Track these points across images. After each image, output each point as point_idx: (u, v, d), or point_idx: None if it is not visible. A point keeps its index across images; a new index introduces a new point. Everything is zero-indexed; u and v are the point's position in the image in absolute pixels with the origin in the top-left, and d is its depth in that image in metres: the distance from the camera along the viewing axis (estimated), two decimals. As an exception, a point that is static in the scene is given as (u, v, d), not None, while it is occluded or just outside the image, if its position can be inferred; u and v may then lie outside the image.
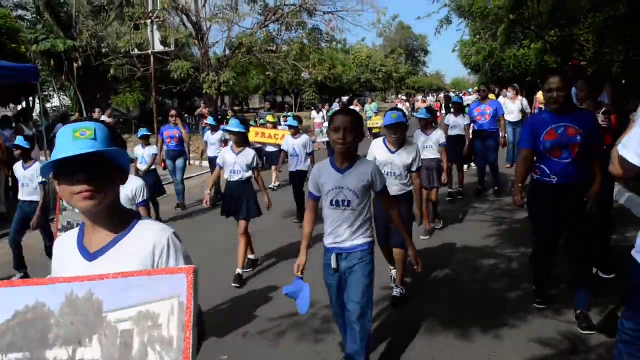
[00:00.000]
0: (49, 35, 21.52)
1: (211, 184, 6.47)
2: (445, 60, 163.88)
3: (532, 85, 29.16)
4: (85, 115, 20.97)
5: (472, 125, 9.58)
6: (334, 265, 3.39)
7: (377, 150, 4.97)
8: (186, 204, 10.23)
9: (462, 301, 4.95)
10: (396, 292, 5.02)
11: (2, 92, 18.04)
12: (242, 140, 6.10)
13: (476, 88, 39.83)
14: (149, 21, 15.14)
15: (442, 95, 38.63)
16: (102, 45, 22.66)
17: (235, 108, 43.34)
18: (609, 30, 10.30)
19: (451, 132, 9.30)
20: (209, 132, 10.60)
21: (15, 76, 9.62)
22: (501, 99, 13.63)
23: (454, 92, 47.43)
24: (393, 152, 4.87)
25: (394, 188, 4.65)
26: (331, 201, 3.37)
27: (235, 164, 6.01)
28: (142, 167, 8.69)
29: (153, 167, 8.92)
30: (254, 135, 11.58)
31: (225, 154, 6.15)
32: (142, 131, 9.04)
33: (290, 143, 8.40)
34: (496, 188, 9.52)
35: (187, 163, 10.56)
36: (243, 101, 52.00)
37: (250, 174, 6.03)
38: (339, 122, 3.23)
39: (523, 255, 5.84)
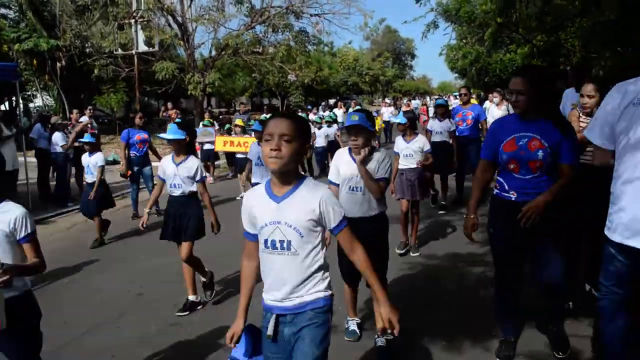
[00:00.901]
0: (31, 34, 21.17)
1: (152, 202, 5.46)
2: (432, 64, 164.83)
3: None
4: (66, 115, 20.66)
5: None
6: (270, 331, 2.44)
7: (340, 162, 4.16)
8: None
9: (450, 311, 4.84)
10: (380, 341, 4.13)
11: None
12: (182, 149, 5.09)
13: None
14: (133, 21, 14.91)
15: (428, 99, 38.42)
16: (86, 44, 22.37)
17: (222, 110, 43.30)
18: (596, 35, 10.28)
19: (435, 138, 8.63)
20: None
21: (-6, 75, 9.41)
22: (487, 104, 13.15)
23: (439, 96, 47.32)
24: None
25: (361, 208, 4.02)
26: (265, 241, 2.46)
27: (175, 176, 5.07)
28: (89, 178, 7.77)
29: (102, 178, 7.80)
30: (222, 144, 11.43)
31: (164, 164, 5.21)
32: (87, 137, 7.94)
33: (255, 150, 7.10)
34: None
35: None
36: (229, 103, 51.75)
37: (193, 187, 5.12)
38: (272, 127, 2.32)
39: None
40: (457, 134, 8.76)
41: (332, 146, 13.21)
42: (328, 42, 35.78)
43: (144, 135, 9.22)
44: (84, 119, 12.32)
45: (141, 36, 15.16)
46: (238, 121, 12.43)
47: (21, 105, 12.33)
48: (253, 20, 23.37)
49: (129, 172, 9.19)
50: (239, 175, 11.33)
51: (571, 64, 15.43)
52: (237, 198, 10.22)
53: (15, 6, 24.82)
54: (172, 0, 22.09)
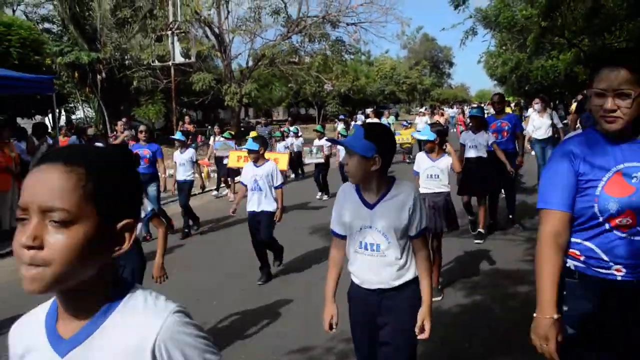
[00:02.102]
0: (73, 47, 21.61)
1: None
2: (471, 71, 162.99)
3: (561, 97, 28.51)
4: (107, 126, 21.00)
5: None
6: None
7: (345, 203, 2.78)
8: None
9: (494, 335, 4.51)
10: None
11: (24, 103, 18.33)
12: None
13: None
14: (169, 33, 15.01)
15: (466, 107, 37.50)
16: (125, 57, 22.72)
17: (259, 120, 43.53)
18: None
19: (469, 154, 7.49)
20: (178, 150, 9.12)
21: (30, 87, 9.50)
22: (530, 112, 12.35)
23: (477, 104, 45.86)
24: (370, 206, 2.65)
25: (384, 274, 2.67)
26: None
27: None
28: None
29: None
30: (236, 159, 10.71)
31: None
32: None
33: (250, 173, 6.16)
34: (510, 217, 8.21)
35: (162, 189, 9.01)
36: (266, 113, 52.05)
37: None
38: None
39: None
40: (490, 148, 7.52)
41: None
42: (365, 51, 35.50)
43: (145, 151, 8.37)
44: (126, 132, 12.39)
45: (178, 48, 15.23)
46: (253, 133, 11.56)
47: (53, 118, 12.33)
48: (289, 30, 23.42)
49: None
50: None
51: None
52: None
53: (58, 20, 25.47)
54: (209, 12, 22.36)
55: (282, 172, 13.32)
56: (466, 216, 7.72)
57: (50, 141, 11.37)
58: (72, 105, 28.41)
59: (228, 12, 22.84)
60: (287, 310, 5.25)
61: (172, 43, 14.91)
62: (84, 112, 27.21)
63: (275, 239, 6.40)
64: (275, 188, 6.17)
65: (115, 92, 23.53)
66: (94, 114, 24.53)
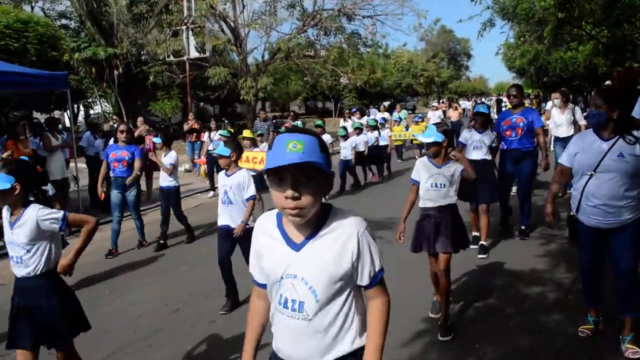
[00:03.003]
0: (90, 43, 21.79)
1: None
2: (489, 63, 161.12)
3: (581, 90, 28.05)
4: (127, 121, 21.13)
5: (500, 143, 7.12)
6: None
7: (263, 251, 2.06)
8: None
9: (507, 338, 4.42)
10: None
11: (42, 98, 18.53)
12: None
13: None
14: (184, 28, 15.01)
15: (485, 100, 36.85)
16: (142, 52, 22.82)
17: (276, 114, 43.56)
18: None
19: (472, 155, 6.61)
20: (162, 154, 8.24)
21: (44, 84, 9.54)
22: (549, 105, 11.39)
23: (493, 98, 45.18)
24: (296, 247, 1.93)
25: (306, 348, 1.94)
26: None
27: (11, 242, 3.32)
28: None
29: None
30: None
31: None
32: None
33: (221, 183, 5.41)
34: (522, 227, 7.14)
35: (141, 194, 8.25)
36: (283, 107, 52.07)
37: (41, 261, 3.27)
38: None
39: (578, 281, 5.26)
40: (505, 146, 7.07)
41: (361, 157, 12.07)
42: (382, 44, 35.19)
43: (124, 153, 7.56)
44: (142, 127, 12.43)
45: (193, 42, 15.24)
46: (246, 132, 10.59)
47: (71, 113, 12.44)
48: (305, 24, 23.28)
49: (102, 194, 7.85)
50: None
51: (638, 60, 14.53)
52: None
53: (75, 17, 25.70)
54: (224, 6, 22.32)
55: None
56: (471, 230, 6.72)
57: (65, 136, 11.49)
58: (90, 100, 28.70)
59: (243, 6, 22.74)
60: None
61: (187, 38, 14.94)
62: (101, 107, 27.47)
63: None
64: (247, 200, 5.23)
65: (132, 87, 23.70)
66: (111, 109, 24.74)
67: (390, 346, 4.15)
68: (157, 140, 8.75)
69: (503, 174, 7.22)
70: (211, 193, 11.98)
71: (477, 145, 6.75)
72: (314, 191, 1.76)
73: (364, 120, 16.99)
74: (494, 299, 5.20)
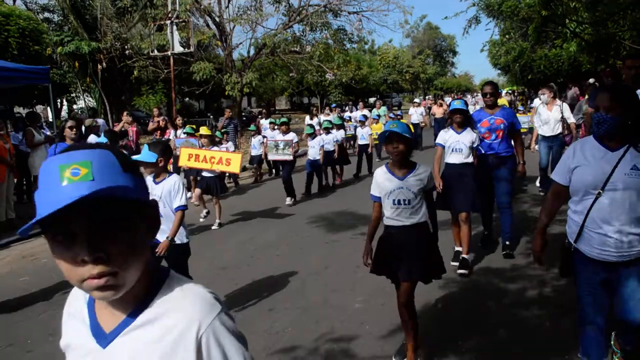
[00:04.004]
0: (74, 37, 21.51)
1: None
2: (474, 60, 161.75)
3: (563, 87, 28.29)
4: (109, 116, 20.94)
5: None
6: None
7: None
8: None
9: (488, 332, 4.44)
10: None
11: (24, 93, 18.30)
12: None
13: (506, 89, 38.62)
14: (168, 22, 14.87)
15: (469, 97, 37.01)
16: (126, 46, 22.60)
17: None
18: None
19: (451, 159, 5.99)
20: None
21: (25, 78, 9.42)
22: (536, 103, 10.89)
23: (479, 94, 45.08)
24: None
25: None
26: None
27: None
28: None
29: None
30: (186, 158, 8.98)
31: None
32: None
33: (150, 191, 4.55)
34: (507, 243, 6.35)
35: None
36: (269, 103, 51.95)
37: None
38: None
39: (556, 277, 5.28)
40: (482, 150, 6.24)
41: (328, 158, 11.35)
42: (367, 40, 35.20)
43: None
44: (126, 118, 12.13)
45: (177, 37, 15.09)
46: (203, 129, 9.73)
47: (52, 108, 12.22)
48: (291, 19, 23.20)
49: None
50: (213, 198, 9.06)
51: (621, 58, 14.66)
52: (201, 220, 8.86)
53: (58, 10, 25.36)
54: (209, 1, 22.16)
55: (235, 175, 12.04)
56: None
57: (47, 132, 11.35)
58: (73, 95, 28.39)
59: (229, 1, 22.62)
60: (279, 306, 5.19)
61: (172, 32, 14.75)
62: (85, 102, 27.18)
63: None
64: (175, 210, 4.55)
65: (116, 82, 23.46)
66: (95, 103, 24.48)
67: (372, 341, 4.18)
68: (103, 139, 7.60)
69: (482, 182, 6.11)
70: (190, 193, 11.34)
71: (455, 147, 5.90)
72: (130, 241, 1.09)
73: (355, 114, 16.89)
74: (474, 295, 5.23)
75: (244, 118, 22.70)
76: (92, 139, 10.29)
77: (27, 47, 16.80)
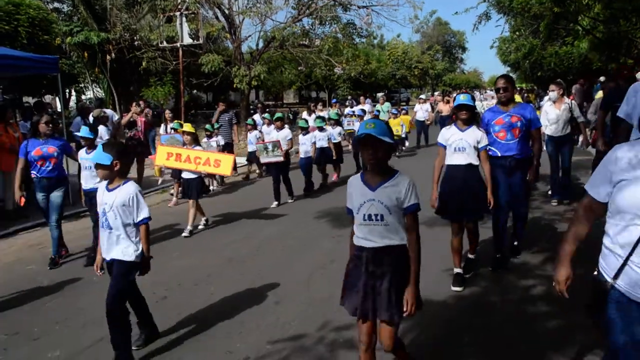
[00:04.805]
0: (83, 27, 21.54)
1: None
2: (484, 57, 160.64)
3: (574, 84, 28.10)
4: (117, 107, 20.99)
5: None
6: None
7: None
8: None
9: (491, 328, 4.42)
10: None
11: (33, 82, 18.36)
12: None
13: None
14: (178, 13, 14.86)
15: (478, 93, 36.62)
16: (135, 37, 22.62)
17: (269, 102, 43.44)
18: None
19: (453, 160, 5.21)
20: (84, 150, 6.66)
21: (34, 67, 9.42)
22: (545, 102, 10.11)
23: (491, 90, 44.91)
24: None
25: None
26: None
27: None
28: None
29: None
30: (164, 157, 8.01)
31: None
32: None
33: (99, 199, 4.11)
34: (515, 244, 6.03)
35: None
36: (277, 96, 51.89)
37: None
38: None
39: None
40: (497, 152, 5.51)
41: (324, 155, 10.91)
42: (377, 35, 35.13)
43: (50, 149, 6.53)
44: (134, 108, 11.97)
45: (186, 29, 15.07)
46: (187, 126, 8.65)
47: (61, 98, 12.22)
48: (300, 13, 23.18)
49: (22, 199, 6.52)
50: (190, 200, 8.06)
51: (632, 56, 14.55)
52: (184, 234, 7.78)
53: (68, 0, 25.40)
54: (219, -7, 22.16)
55: (223, 177, 11.22)
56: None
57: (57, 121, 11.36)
58: (82, 85, 28.44)
59: (238, -7, 22.63)
60: (285, 299, 5.18)
61: (181, 24, 14.73)
62: (93, 92, 27.24)
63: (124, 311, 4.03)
64: (137, 224, 4.02)
65: (124, 73, 23.52)
66: (103, 94, 24.55)
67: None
68: (85, 133, 6.61)
69: (496, 190, 5.37)
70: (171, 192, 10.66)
71: (458, 146, 5.15)
72: None
73: (365, 107, 16.62)
74: (478, 289, 5.20)
75: (252, 111, 22.61)
76: (101, 129, 10.32)
77: (36, 37, 16.84)
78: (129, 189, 3.96)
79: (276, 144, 9.53)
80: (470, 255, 5.63)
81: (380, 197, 2.98)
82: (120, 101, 21.83)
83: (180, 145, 8.92)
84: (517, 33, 21.88)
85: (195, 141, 8.36)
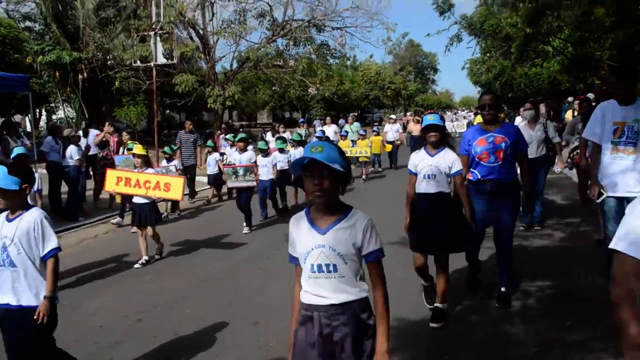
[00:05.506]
0: (55, 46, 21.31)
1: None
2: (455, 78, 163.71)
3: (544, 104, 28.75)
4: (88, 125, 20.68)
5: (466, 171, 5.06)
6: None
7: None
8: None
9: (468, 348, 4.40)
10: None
11: (2, 101, 17.99)
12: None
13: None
14: (152, 33, 14.79)
15: (449, 114, 37.25)
16: (108, 57, 22.42)
17: (243, 123, 43.34)
18: (631, 49, 9.79)
19: (424, 188, 4.68)
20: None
21: (5, 86, 9.25)
22: (518, 122, 9.83)
23: (462, 110, 45.78)
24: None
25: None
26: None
27: None
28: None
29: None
30: (114, 182, 7.46)
31: None
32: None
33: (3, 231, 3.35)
34: (503, 290, 5.10)
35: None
36: (250, 116, 51.83)
37: None
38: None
39: (544, 290, 5.27)
40: (478, 176, 5.01)
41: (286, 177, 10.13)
42: (350, 56, 35.49)
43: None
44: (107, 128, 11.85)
45: (160, 49, 14.99)
46: (137, 148, 7.92)
47: (32, 117, 12.03)
48: (274, 34, 23.30)
49: None
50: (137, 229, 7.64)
51: (600, 77, 14.95)
52: (136, 266, 7.20)
53: (40, 19, 25.10)
54: (194, 13, 22.15)
55: (176, 202, 10.15)
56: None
57: (27, 141, 11.15)
58: (53, 105, 28.04)
59: (213, 14, 22.64)
60: (262, 318, 5.09)
61: (155, 44, 14.64)
62: (64, 112, 26.86)
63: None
64: (43, 259, 3.35)
65: (96, 93, 23.26)
66: (74, 114, 24.20)
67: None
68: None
69: (473, 216, 4.82)
70: (117, 219, 10.05)
71: (427, 173, 4.62)
72: None
73: (329, 128, 16.59)
74: (459, 308, 5.18)
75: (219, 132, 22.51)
76: (71, 149, 10.14)
77: (7, 55, 16.62)
78: (35, 214, 3.32)
79: (249, 169, 9.06)
80: (438, 305, 4.73)
81: (331, 242, 2.33)
82: (91, 121, 21.52)
83: (133, 166, 8.30)
84: (488, 54, 22.34)
85: (147, 164, 7.78)
